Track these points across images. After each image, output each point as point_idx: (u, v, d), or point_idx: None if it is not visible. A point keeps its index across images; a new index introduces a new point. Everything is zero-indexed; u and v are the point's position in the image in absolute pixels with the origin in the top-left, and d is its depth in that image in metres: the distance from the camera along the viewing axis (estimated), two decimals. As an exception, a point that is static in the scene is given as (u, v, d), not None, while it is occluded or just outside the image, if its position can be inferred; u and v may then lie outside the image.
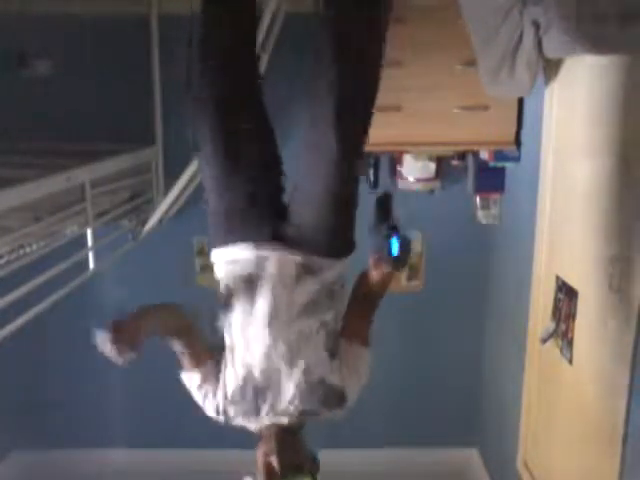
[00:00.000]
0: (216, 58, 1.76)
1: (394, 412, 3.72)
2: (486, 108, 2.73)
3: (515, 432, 2.92)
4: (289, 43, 2.74)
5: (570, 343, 2.26)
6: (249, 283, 1.70)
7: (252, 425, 1.75)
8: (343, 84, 1.61)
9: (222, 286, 1.78)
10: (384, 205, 1.78)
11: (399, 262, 1.65)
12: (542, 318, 2.55)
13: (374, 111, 1.70)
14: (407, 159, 3.11)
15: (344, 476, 3.67)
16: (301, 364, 1.67)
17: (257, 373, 1.69)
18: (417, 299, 3.58)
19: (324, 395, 1.68)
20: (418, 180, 3.18)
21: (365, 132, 1.71)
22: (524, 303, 2.79)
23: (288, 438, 1.68)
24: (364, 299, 1.79)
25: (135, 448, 3.79)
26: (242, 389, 1.70)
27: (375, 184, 3.24)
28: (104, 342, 1.45)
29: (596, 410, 2.09)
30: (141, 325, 1.57)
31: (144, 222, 3.11)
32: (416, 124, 2.76)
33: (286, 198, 1.81)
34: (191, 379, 1.76)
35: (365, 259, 1.75)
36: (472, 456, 3.77)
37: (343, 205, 1.71)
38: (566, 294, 2.30)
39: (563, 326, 2.32)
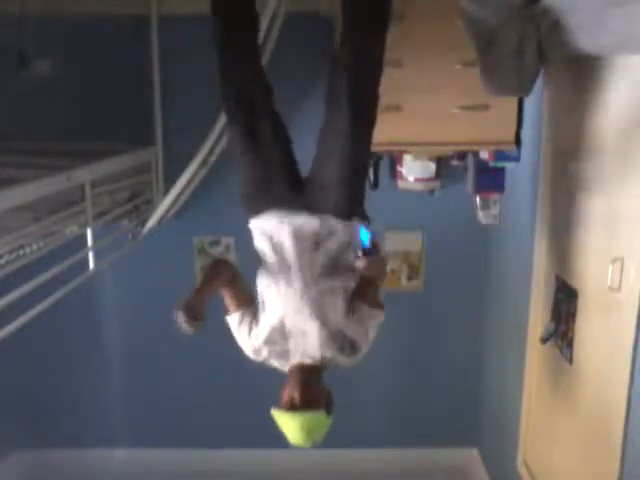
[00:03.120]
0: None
1: (394, 412, 3.73)
2: (486, 108, 2.73)
3: (515, 432, 2.92)
4: (289, 43, 2.74)
5: (570, 343, 2.26)
6: (278, 247, 2.01)
7: (282, 365, 2.05)
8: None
9: (257, 250, 2.08)
10: None
11: (369, 251, 2.13)
12: (542, 318, 2.55)
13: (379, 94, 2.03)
14: (407, 159, 3.11)
15: (344, 476, 3.68)
16: (322, 317, 1.98)
17: (286, 322, 1.99)
18: (417, 299, 3.58)
19: (340, 344, 2.01)
20: (418, 180, 3.18)
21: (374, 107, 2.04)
22: (524, 303, 2.79)
23: (310, 377, 1.97)
24: (368, 281, 2.12)
25: (136, 448, 3.79)
26: (273, 334, 2.01)
27: (375, 184, 3.24)
28: (178, 321, 1.80)
29: (596, 410, 2.09)
30: (204, 296, 1.94)
31: (144, 222, 3.11)
32: (416, 124, 2.76)
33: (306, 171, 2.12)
34: (233, 320, 2.09)
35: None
36: (472, 456, 3.77)
37: (355, 169, 2.02)
38: (566, 294, 2.30)
39: (563, 326, 2.32)
